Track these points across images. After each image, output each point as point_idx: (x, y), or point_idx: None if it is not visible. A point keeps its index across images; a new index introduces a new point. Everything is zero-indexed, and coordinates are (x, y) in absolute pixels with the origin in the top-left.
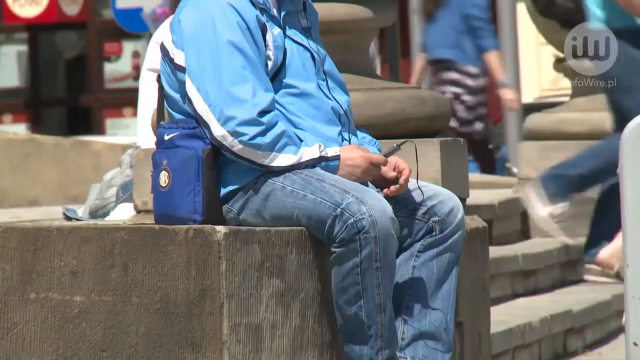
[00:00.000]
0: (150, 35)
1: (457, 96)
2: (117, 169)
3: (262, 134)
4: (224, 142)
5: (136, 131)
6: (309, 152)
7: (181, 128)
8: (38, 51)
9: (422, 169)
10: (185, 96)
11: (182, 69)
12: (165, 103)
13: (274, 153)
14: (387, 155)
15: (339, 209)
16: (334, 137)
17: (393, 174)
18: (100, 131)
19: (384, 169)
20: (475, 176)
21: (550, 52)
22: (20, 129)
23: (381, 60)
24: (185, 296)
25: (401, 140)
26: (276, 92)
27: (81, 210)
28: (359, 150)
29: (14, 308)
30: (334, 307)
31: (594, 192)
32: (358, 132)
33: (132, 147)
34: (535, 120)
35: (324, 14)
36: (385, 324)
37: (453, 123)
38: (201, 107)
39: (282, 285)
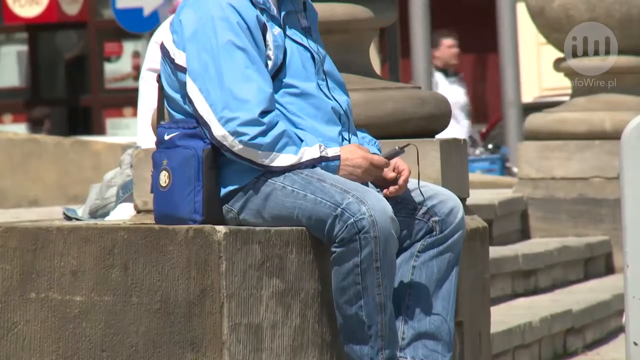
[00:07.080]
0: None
1: None
2: (117, 169)
3: (263, 134)
4: (224, 142)
5: (136, 131)
6: (310, 152)
7: (181, 128)
8: (38, 51)
9: (422, 169)
10: (185, 96)
11: (183, 70)
12: (165, 103)
13: (274, 153)
14: (388, 158)
15: (339, 209)
16: (334, 137)
17: (392, 174)
18: (100, 131)
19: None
20: (475, 176)
21: (550, 52)
22: (20, 129)
23: (381, 61)
24: (185, 296)
25: (404, 143)
26: (276, 91)
27: (81, 210)
28: (359, 151)
29: (14, 308)
30: (334, 307)
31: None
32: (358, 132)
33: (132, 147)
34: (535, 120)
35: (324, 14)
36: (385, 323)
37: None
38: (202, 107)
39: (282, 285)
